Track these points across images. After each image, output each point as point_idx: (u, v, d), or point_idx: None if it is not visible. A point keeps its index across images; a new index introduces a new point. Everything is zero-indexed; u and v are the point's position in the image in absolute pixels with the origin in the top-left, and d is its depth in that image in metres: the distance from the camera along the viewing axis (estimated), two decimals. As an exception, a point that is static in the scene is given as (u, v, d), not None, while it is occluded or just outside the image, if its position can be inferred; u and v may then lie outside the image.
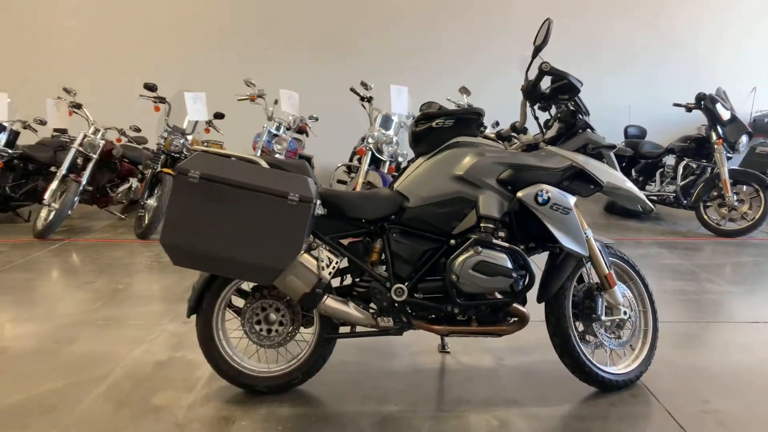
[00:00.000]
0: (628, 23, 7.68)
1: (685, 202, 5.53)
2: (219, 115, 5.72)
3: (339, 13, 7.64)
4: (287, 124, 5.56)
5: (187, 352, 2.77)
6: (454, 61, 7.62)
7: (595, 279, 2.40)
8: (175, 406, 2.28)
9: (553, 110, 2.40)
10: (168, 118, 5.34)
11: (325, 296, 2.21)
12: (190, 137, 5.48)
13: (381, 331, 2.31)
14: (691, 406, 2.29)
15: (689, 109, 5.41)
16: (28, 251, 4.73)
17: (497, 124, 5.64)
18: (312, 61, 7.58)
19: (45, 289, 3.80)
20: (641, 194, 2.36)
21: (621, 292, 2.39)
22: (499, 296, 2.23)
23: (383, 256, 2.29)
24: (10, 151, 5.54)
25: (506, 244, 2.15)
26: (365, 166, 5.03)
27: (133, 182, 6.21)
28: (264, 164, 2.14)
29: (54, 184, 5.26)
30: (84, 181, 5.38)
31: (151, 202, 5.16)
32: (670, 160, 5.91)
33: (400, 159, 5.12)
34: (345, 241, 2.33)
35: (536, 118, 2.36)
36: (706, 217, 5.33)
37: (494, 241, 2.13)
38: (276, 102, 5.55)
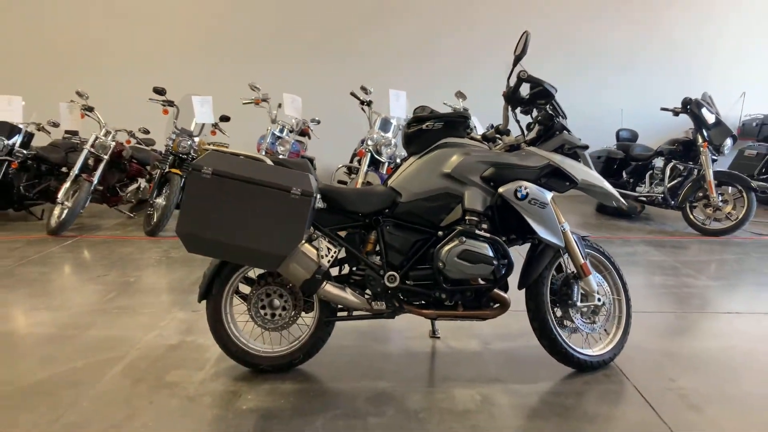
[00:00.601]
0: (623, 30, 7.91)
1: (672, 202, 5.74)
2: (225, 118, 5.96)
3: (340, 20, 7.89)
4: (290, 126, 5.79)
5: (197, 336, 2.99)
6: (452, 66, 7.85)
7: (573, 269, 2.62)
8: (187, 382, 2.50)
9: (535, 113, 2.63)
10: (176, 121, 5.57)
11: (324, 282, 2.43)
12: (197, 139, 5.71)
13: (375, 315, 2.52)
14: (658, 384, 2.50)
15: (676, 113, 5.62)
16: (42, 247, 4.97)
17: (492, 126, 5.85)
18: (314, 67, 7.83)
19: (61, 282, 4.03)
20: (614, 191, 2.57)
21: (596, 280, 2.60)
22: (482, 282, 2.45)
23: (377, 247, 2.52)
24: (24, 151, 5.78)
25: (488, 235, 2.37)
26: (365, 167, 5.26)
27: (142, 182, 6.45)
28: (269, 162, 2.38)
29: (67, 184, 5.50)
30: (95, 180, 5.62)
31: (160, 201, 5.39)
32: (659, 162, 6.12)
33: (398, 161, 5.34)
34: (343, 233, 2.55)
35: (517, 121, 2.58)
36: (692, 216, 5.54)
37: (477, 232, 2.36)
38: (279, 105, 5.78)
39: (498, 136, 2.64)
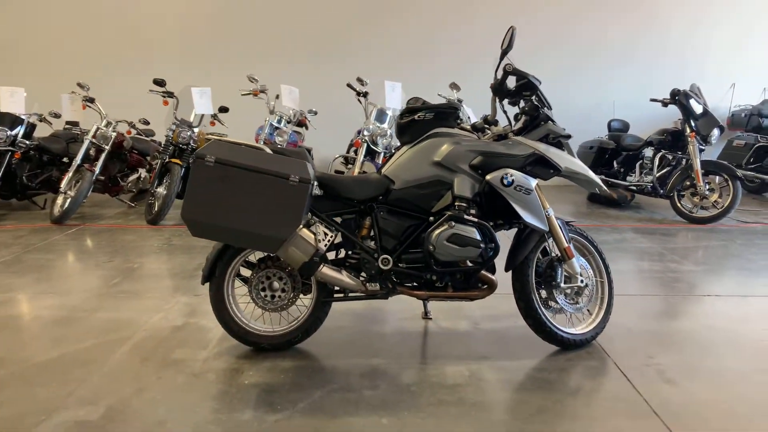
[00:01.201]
0: (618, 24, 8.02)
1: (661, 191, 5.88)
2: (224, 109, 6.06)
3: (338, 13, 7.98)
4: (288, 117, 5.91)
5: (200, 318, 3.13)
6: (449, 60, 7.96)
7: (557, 252, 2.76)
8: (192, 360, 2.65)
9: (522, 105, 2.76)
10: (176, 112, 5.68)
11: (322, 265, 2.57)
12: (196, 130, 5.82)
13: (370, 296, 2.67)
14: (636, 361, 2.65)
15: (665, 104, 5.75)
16: (46, 235, 5.09)
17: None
18: (312, 58, 7.92)
19: (66, 268, 4.16)
20: (597, 178, 2.71)
21: (579, 263, 2.75)
22: (470, 264, 2.59)
23: (372, 232, 2.65)
24: (27, 142, 5.88)
25: (475, 219, 2.51)
26: (361, 157, 5.39)
27: (142, 172, 6.57)
28: (269, 151, 2.51)
29: (70, 174, 5.62)
30: (97, 170, 5.74)
31: (161, 190, 5.52)
32: (648, 152, 6.26)
33: (393, 150, 5.47)
34: (339, 219, 2.69)
35: (505, 112, 2.71)
36: (679, 205, 5.69)
37: (466, 217, 2.49)
38: (277, 97, 5.89)
39: (486, 126, 2.77)
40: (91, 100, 5.90)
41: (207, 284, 2.71)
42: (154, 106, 6.05)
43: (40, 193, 6.36)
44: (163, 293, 3.57)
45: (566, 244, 2.70)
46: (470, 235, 2.49)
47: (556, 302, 2.73)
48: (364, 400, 2.31)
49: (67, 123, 6.80)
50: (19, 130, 5.84)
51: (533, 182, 2.58)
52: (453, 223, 2.50)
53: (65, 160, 6.21)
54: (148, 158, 6.54)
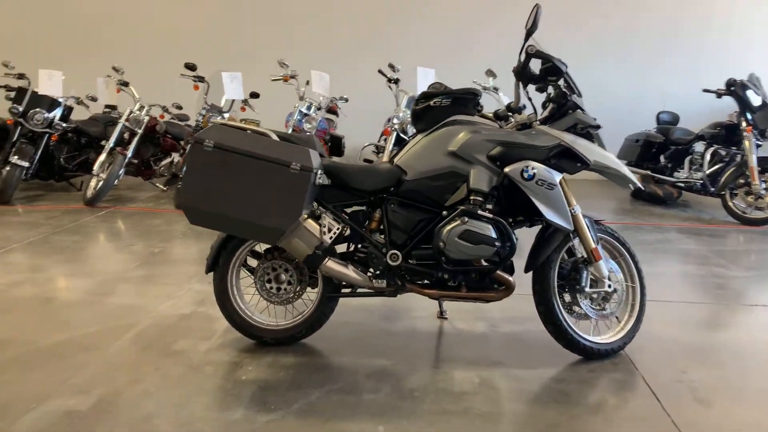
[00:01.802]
0: (664, 7, 7.52)
1: (711, 189, 5.48)
2: (254, 95, 6.00)
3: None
4: (318, 104, 5.79)
5: (209, 307, 3.06)
6: (484, 43, 7.64)
7: (584, 253, 2.53)
8: (192, 351, 2.57)
9: (551, 91, 2.53)
10: (206, 97, 5.65)
11: (327, 258, 2.43)
12: (226, 115, 5.79)
13: (377, 293, 2.52)
14: (667, 375, 2.41)
15: (719, 95, 5.34)
16: (78, 217, 5.16)
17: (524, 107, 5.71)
18: (344, 42, 7.75)
19: (91, 250, 4.18)
20: (629, 173, 2.47)
21: (607, 266, 2.51)
22: (485, 264, 2.40)
23: (382, 225, 2.50)
24: (64, 124, 5.98)
25: (490, 215, 2.31)
26: (390, 146, 5.23)
27: (175, 157, 6.59)
28: (274, 137, 2.38)
29: (102, 156, 5.68)
30: (129, 154, 5.78)
31: (189, 175, 5.49)
32: (699, 146, 5.85)
33: (409, 138, 5.29)
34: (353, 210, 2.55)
35: (530, 99, 2.49)
36: (731, 204, 5.28)
37: (480, 212, 2.30)
38: (307, 83, 5.78)
39: (510, 114, 2.56)
40: (126, 84, 5.93)
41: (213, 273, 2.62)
42: (187, 90, 6.04)
43: (78, 174, 6.47)
44: (178, 279, 3.52)
45: (593, 245, 2.47)
46: (484, 232, 2.30)
47: (581, 307, 2.51)
48: (362, 404, 2.17)
49: (106, 106, 6.89)
50: (57, 113, 5.94)
51: (557, 176, 2.36)
52: (466, 219, 2.31)
53: (103, 142, 6.28)
54: (182, 143, 6.56)
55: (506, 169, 2.33)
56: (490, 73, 5.82)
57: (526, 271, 2.50)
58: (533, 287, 2.50)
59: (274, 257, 2.57)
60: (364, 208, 2.56)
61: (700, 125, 6.03)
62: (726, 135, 5.54)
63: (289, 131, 5.50)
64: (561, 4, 6.85)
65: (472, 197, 2.37)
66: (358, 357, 2.55)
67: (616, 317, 2.62)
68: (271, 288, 2.57)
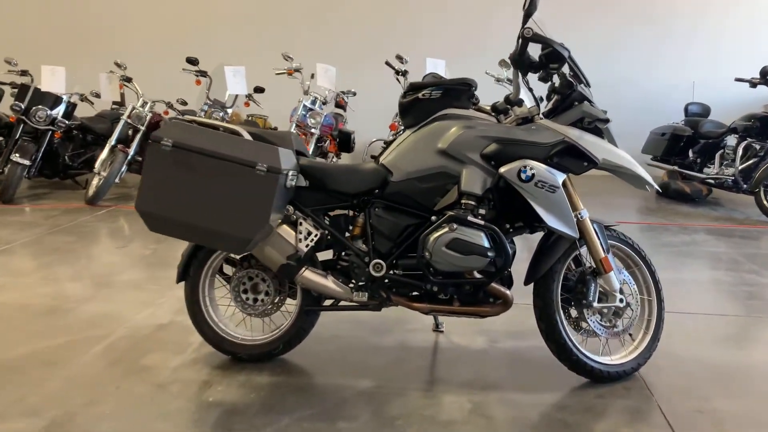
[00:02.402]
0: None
1: (744, 186, 5.09)
2: (259, 89, 5.80)
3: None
4: (323, 98, 5.56)
5: (188, 317, 2.85)
6: (496, 33, 7.29)
7: (592, 263, 2.25)
8: (161, 368, 2.37)
9: (557, 80, 2.25)
10: (208, 92, 5.47)
11: (303, 268, 2.20)
12: (230, 110, 5.60)
13: (360, 306, 2.27)
14: (687, 404, 2.12)
15: (753, 85, 4.94)
16: (76, 216, 5.04)
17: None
18: (352, 34, 7.49)
19: (81, 252, 4.03)
20: (644, 173, 2.17)
21: (619, 278, 2.22)
22: (478, 276, 2.14)
23: (366, 231, 2.25)
24: (67, 122, 5.87)
25: (482, 222, 2.04)
26: (396, 141, 4.95)
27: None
28: (246, 134, 2.15)
29: (104, 154, 5.55)
30: (132, 151, 5.64)
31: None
32: (731, 140, 5.44)
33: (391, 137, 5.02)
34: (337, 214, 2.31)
35: (530, 90, 2.21)
36: (766, 202, 4.89)
37: (470, 218, 2.04)
38: (312, 76, 5.55)
39: (509, 107, 2.28)
40: (128, 80, 5.80)
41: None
42: (193, 85, 5.87)
43: (83, 172, 6.37)
44: (162, 285, 3.33)
45: (603, 255, 2.18)
46: (475, 241, 2.03)
47: (588, 324, 2.23)
48: (335, 434, 1.93)
49: (114, 103, 6.78)
50: (60, 110, 5.83)
51: (560, 177, 2.08)
52: (455, 226, 2.05)
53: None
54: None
55: (501, 170, 2.06)
56: (504, 64, 5.51)
57: (526, 283, 2.23)
58: (534, 301, 2.23)
59: (251, 265, 2.35)
60: (346, 212, 2.32)
61: (733, 117, 5.62)
62: (760, 127, 5.14)
63: (293, 127, 5.28)
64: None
65: (463, 201, 2.11)
66: (340, 377, 2.31)
67: (630, 334, 2.33)
68: (248, 299, 2.35)
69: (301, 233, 2.19)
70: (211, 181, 1.99)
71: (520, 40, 2.02)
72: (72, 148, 6.25)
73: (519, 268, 2.22)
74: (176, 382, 2.26)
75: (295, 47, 5.99)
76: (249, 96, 5.80)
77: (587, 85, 2.17)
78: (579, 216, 2.16)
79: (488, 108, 2.33)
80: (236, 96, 5.68)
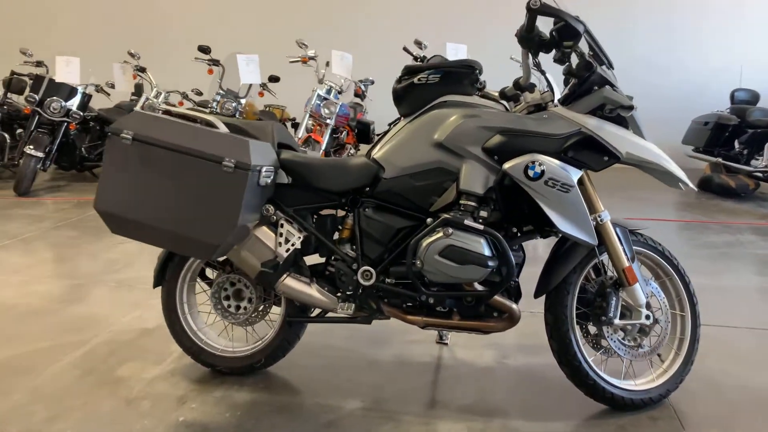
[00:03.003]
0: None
1: (797, 180, 4.63)
2: (274, 78, 5.60)
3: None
4: (338, 87, 5.31)
5: (175, 321, 2.67)
6: (522, 17, 6.91)
7: (614, 273, 1.95)
8: (136, 379, 2.18)
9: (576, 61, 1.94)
10: (221, 81, 5.30)
11: (285, 275, 1.97)
12: (243, 101, 5.42)
13: (349, 319, 2.03)
14: (725, 441, 1.81)
15: (809, 68, 4.45)
16: (86, 210, 4.95)
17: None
18: (368, 19, 7.19)
19: (81, 248, 3.91)
20: (677, 169, 1.85)
21: (646, 290, 1.92)
22: (479, 287, 1.87)
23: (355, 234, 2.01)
24: (81, 113, 5.80)
25: (481, 227, 1.77)
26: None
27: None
28: (221, 126, 1.94)
29: (117, 146, 5.44)
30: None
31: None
32: (783, 130, 4.97)
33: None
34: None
35: (543, 72, 1.92)
36: (821, 199, 4.42)
37: (467, 222, 1.76)
38: (327, 64, 5.30)
39: (519, 92, 1.99)
40: (142, 70, 5.68)
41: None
42: (206, 75, 5.71)
43: (99, 164, 6.31)
44: (157, 285, 3.16)
45: (626, 264, 1.88)
46: (472, 249, 1.76)
47: (608, 343, 1.93)
48: (311, 467, 1.70)
49: (133, 94, 6.71)
50: (75, 101, 5.75)
51: (575, 174, 1.78)
52: (450, 230, 1.78)
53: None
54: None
55: (505, 166, 1.77)
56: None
57: (537, 295, 1.94)
58: (545, 317, 1.94)
59: (233, 270, 2.14)
60: (334, 212, 2.08)
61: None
62: (816, 116, 4.66)
63: (306, 118, 5.06)
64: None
65: (462, 201, 1.84)
66: (328, 396, 2.08)
67: (659, 355, 2.02)
68: (229, 306, 2.14)
69: (281, 236, 1.96)
70: (174, 178, 1.77)
71: (527, 13, 1.72)
72: (89, 139, 6.20)
73: (531, 274, 1.94)
74: (148, 397, 2.07)
75: (310, 34, 5.74)
76: (263, 85, 5.61)
77: (610, 66, 1.86)
78: (598, 219, 1.87)
79: (495, 94, 2.04)
80: (250, 85, 5.48)
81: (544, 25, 1.80)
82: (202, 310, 2.26)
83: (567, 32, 1.72)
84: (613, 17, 6.07)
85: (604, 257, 1.94)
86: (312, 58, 5.29)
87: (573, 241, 1.87)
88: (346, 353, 2.39)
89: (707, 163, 5.68)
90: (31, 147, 5.39)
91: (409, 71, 1.97)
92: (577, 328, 1.90)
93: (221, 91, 5.29)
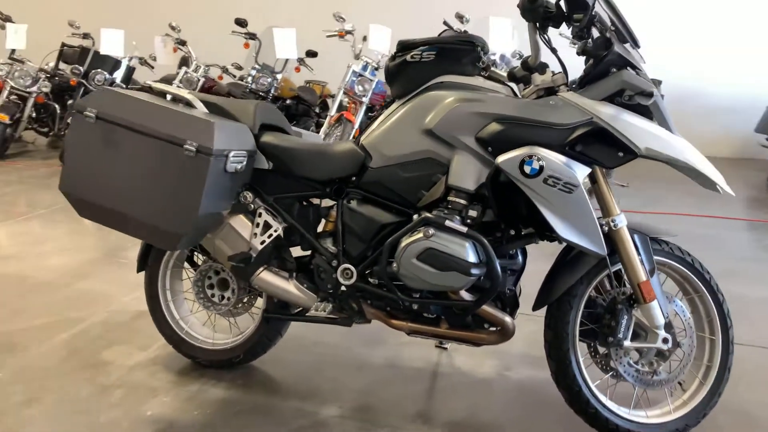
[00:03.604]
0: None
1: None
2: (311, 53, 5.45)
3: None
4: (375, 63, 5.09)
5: (172, 305, 2.61)
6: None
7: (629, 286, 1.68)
8: (117, 365, 2.12)
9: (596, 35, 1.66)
10: (256, 56, 5.20)
11: (260, 268, 1.83)
12: (279, 76, 5.30)
13: (327, 320, 1.87)
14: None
15: None
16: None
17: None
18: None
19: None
20: (710, 170, 1.56)
21: (666, 309, 1.65)
22: (466, 295, 1.66)
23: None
24: (125, 86, 5.86)
25: (464, 229, 1.54)
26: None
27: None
28: (198, 104, 1.81)
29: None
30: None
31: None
32: None
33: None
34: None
35: (553, 50, 1.64)
36: None
37: (447, 223, 1.55)
38: (365, 38, 5.09)
39: (529, 73, 1.73)
40: (183, 43, 5.66)
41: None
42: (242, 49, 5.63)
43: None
44: (167, 264, 3.12)
45: (643, 278, 1.61)
46: (454, 254, 1.55)
47: (617, 366, 1.68)
48: (267, 480, 1.57)
49: (180, 66, 6.73)
50: (119, 74, 5.83)
51: (582, 172, 1.53)
52: (430, 231, 1.57)
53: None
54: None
55: (498, 160, 1.53)
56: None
57: (536, 307, 1.71)
58: (545, 332, 1.71)
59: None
60: (319, 202, 1.91)
61: None
62: None
63: (340, 95, 4.88)
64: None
65: (450, 198, 1.62)
66: (307, 399, 1.94)
67: (680, 383, 1.75)
68: (213, 295, 2.03)
69: (258, 226, 1.81)
70: (136, 161, 1.65)
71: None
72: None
73: (542, 272, 1.71)
74: (124, 385, 2.00)
75: (349, 6, 5.53)
76: (300, 60, 5.46)
77: (635, 44, 1.57)
78: (612, 224, 1.60)
79: (503, 74, 1.79)
80: (286, 60, 5.35)
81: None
82: (188, 298, 2.16)
83: (576, 1, 1.44)
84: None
85: (619, 267, 1.67)
86: (349, 32, 5.10)
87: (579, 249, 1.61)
88: (337, 351, 2.24)
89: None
90: (75, 118, 5.50)
91: (403, 47, 1.75)
92: (579, 347, 1.66)
93: (257, 66, 5.19)
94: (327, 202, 1.90)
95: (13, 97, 5.59)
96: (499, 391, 1.99)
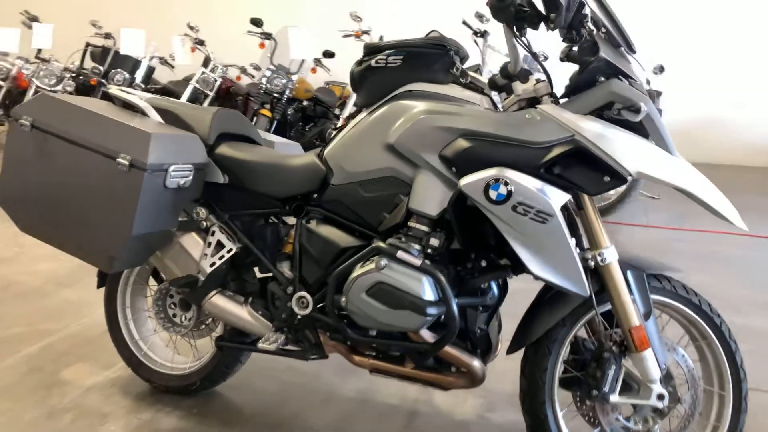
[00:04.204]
0: None
1: None
2: (328, 54, 5.29)
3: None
4: (391, 64, 4.89)
5: (147, 319, 2.49)
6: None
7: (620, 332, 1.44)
8: (74, 386, 2.00)
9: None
10: (272, 57, 5.08)
11: (212, 292, 1.68)
12: (294, 77, 5.17)
13: (281, 352, 1.70)
14: None
15: None
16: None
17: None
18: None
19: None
20: (713, 198, 1.31)
21: (663, 359, 1.40)
22: (428, 336, 1.45)
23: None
24: (144, 85, 5.85)
25: (417, 262, 1.34)
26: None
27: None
28: (152, 112, 1.67)
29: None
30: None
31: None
32: None
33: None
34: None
35: (533, 55, 1.42)
36: None
37: (399, 254, 1.34)
38: (381, 38, 4.90)
39: (509, 81, 1.51)
40: (201, 42, 5.60)
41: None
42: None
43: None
44: (156, 272, 3.01)
45: (636, 322, 1.37)
46: (408, 290, 1.35)
47: (602, 424, 1.45)
48: None
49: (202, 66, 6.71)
50: (139, 73, 5.81)
51: (558, 199, 1.30)
52: (383, 262, 1.37)
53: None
54: (256, 108, 6.13)
55: (461, 182, 1.32)
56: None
57: (509, 352, 1.49)
58: (520, 381, 1.49)
59: (180, 274, 1.87)
60: (278, 220, 1.74)
61: None
62: None
63: (353, 98, 4.71)
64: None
65: (410, 223, 1.42)
66: (263, 432, 1.77)
67: (682, 443, 1.50)
68: (174, 315, 1.89)
69: (209, 246, 1.66)
70: (70, 174, 1.51)
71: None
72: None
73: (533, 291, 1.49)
74: (75, 409, 1.88)
75: (365, 7, 5.35)
76: (317, 61, 5.32)
77: (629, 50, 1.34)
78: (599, 258, 1.37)
79: (484, 81, 1.58)
80: (302, 61, 5.21)
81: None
82: (152, 316, 2.03)
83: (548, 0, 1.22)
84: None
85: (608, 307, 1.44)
86: (366, 32, 4.92)
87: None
88: (306, 380, 2.06)
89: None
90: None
91: (369, 50, 1.56)
92: (555, 401, 1.43)
93: (272, 67, 5.07)
94: (292, 220, 1.73)
95: (37, 96, 5.65)
96: (478, 437, 1.77)
